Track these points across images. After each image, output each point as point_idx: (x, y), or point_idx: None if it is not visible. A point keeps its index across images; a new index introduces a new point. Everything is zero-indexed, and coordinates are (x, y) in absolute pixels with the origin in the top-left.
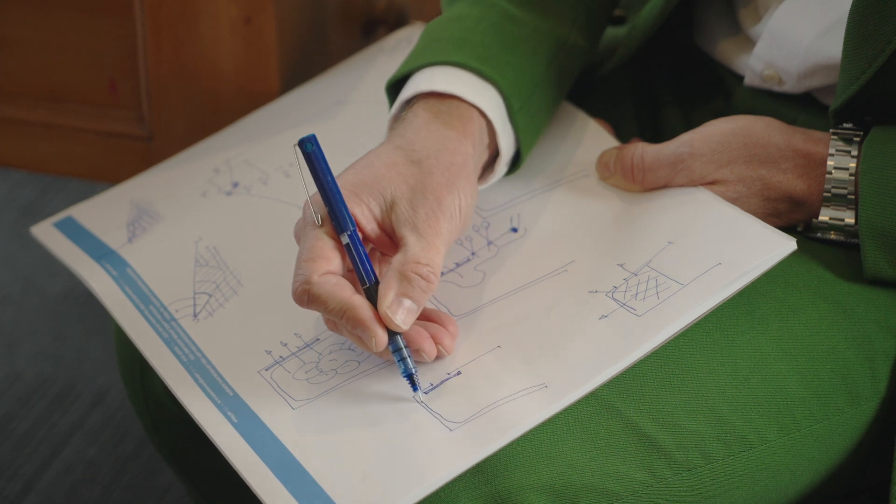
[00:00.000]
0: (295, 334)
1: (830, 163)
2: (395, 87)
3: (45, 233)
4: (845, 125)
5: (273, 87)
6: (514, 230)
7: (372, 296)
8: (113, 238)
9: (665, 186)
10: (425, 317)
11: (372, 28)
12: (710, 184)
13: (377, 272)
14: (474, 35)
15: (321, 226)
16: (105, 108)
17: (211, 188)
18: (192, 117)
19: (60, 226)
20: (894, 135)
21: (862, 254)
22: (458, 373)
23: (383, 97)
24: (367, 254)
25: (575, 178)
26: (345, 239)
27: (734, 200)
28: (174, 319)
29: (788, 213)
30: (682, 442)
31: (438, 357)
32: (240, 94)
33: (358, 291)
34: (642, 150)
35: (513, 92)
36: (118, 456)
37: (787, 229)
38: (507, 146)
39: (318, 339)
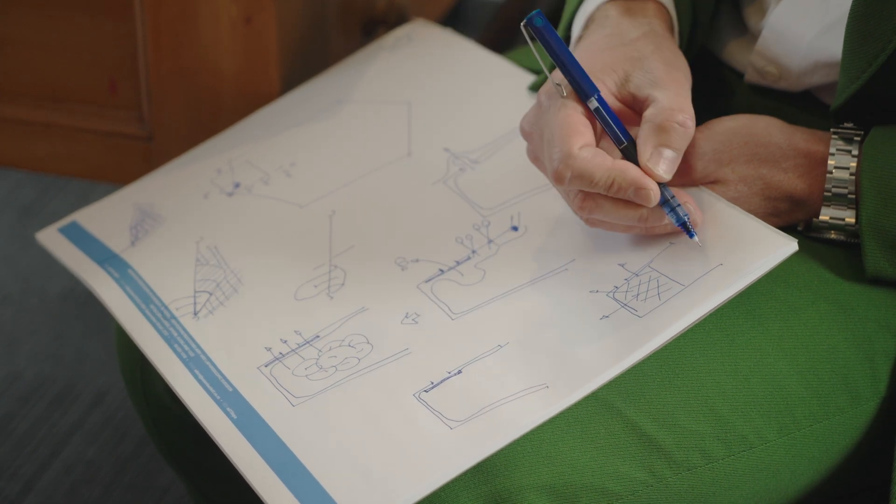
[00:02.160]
0: (295, 332)
1: (831, 162)
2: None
3: (51, 238)
4: (846, 124)
5: (273, 87)
6: (515, 229)
7: (629, 155)
8: (116, 242)
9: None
10: None
11: (372, 28)
12: (711, 183)
13: None
14: None
15: (569, 98)
16: (105, 108)
17: (213, 189)
18: (192, 117)
19: (65, 231)
20: (895, 134)
21: (863, 253)
22: (459, 372)
23: (383, 95)
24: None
25: None
26: (593, 104)
27: (735, 200)
28: (174, 318)
29: (789, 213)
30: (682, 442)
31: (694, 222)
32: (240, 93)
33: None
34: None
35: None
36: (118, 456)
37: (788, 229)
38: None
39: (317, 336)
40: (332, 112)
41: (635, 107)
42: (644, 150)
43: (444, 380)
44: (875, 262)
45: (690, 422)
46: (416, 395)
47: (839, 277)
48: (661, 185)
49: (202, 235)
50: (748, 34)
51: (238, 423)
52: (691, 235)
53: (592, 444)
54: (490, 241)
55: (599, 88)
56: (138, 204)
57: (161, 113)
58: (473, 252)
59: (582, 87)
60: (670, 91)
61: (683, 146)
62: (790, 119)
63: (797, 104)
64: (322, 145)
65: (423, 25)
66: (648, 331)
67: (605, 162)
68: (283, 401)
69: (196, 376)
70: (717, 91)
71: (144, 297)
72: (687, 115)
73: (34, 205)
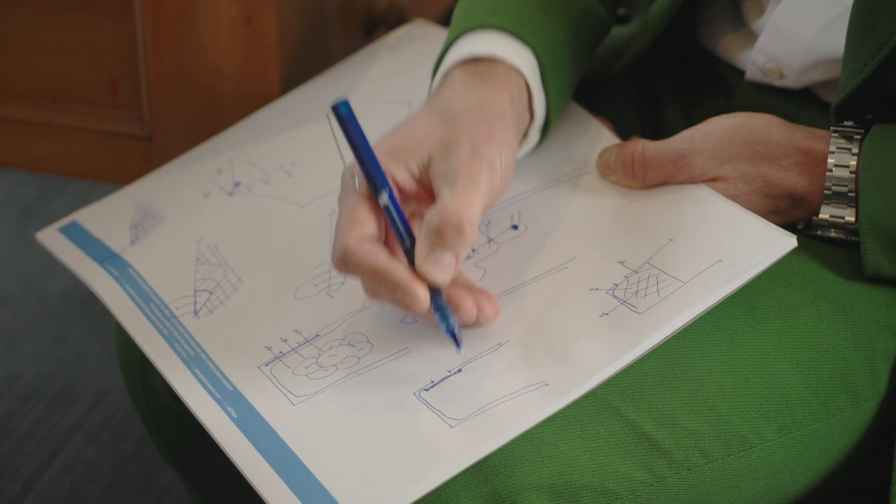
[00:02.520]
0: (295, 331)
1: (831, 160)
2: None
3: (51, 238)
4: (846, 123)
5: (273, 87)
6: (515, 227)
7: (412, 257)
8: (116, 241)
9: (666, 183)
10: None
11: (372, 28)
12: (710, 181)
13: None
14: (509, 1)
15: (360, 190)
16: (105, 108)
17: (213, 188)
18: (192, 117)
19: (65, 231)
20: (895, 132)
21: (862, 251)
22: (459, 370)
23: (384, 95)
24: (405, 215)
25: (576, 175)
26: (382, 200)
27: (735, 197)
28: (175, 317)
29: (789, 211)
30: (681, 441)
31: (477, 324)
32: (240, 93)
33: (399, 254)
34: (643, 147)
35: (547, 56)
36: (118, 456)
37: (788, 227)
38: (540, 111)
39: (318, 335)
40: None
41: (431, 194)
42: (419, 252)
43: (444, 378)
44: (875, 261)
45: (690, 421)
46: (417, 393)
47: (839, 277)
48: (437, 289)
49: (202, 234)
50: (744, 29)
51: (239, 422)
52: (459, 347)
53: (592, 444)
54: (490, 240)
55: (400, 172)
56: (138, 203)
57: (161, 113)
58: (473, 251)
59: (373, 181)
60: (458, 190)
61: (460, 251)
62: (790, 117)
63: (798, 103)
64: (322, 145)
65: (423, 25)
66: (648, 327)
67: (376, 259)
68: (283, 400)
69: (196, 375)
70: (716, 88)
71: (145, 297)
72: (464, 219)
73: (34, 205)
